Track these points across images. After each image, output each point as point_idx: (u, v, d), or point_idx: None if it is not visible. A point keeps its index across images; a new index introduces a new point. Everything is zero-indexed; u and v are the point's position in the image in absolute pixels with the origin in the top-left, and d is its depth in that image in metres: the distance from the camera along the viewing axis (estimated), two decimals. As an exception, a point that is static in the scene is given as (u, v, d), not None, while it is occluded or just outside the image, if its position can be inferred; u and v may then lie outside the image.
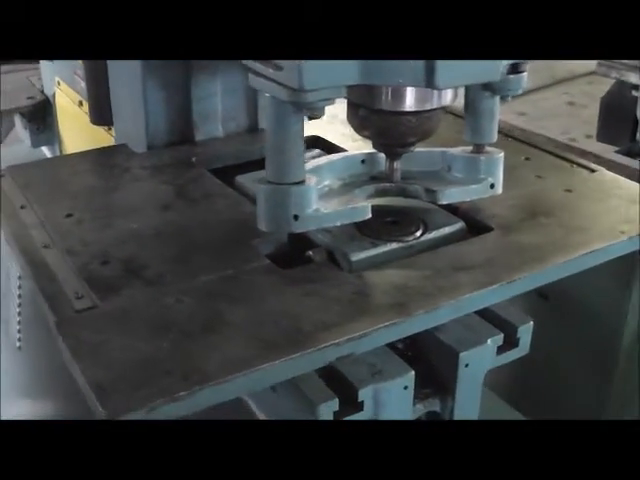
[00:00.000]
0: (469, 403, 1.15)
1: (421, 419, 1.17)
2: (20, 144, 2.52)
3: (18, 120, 2.43)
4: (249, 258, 1.04)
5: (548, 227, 1.14)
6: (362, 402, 1.01)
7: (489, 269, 1.02)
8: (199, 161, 1.35)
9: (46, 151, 2.40)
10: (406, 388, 1.06)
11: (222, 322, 0.90)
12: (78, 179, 1.29)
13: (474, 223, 1.15)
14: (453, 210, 1.18)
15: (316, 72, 0.88)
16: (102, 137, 1.60)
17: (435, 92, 1.00)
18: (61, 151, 2.16)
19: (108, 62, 1.48)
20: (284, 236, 1.10)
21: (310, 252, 1.07)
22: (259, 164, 1.17)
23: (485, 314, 1.15)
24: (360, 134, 1.07)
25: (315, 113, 0.93)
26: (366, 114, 1.02)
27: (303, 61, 0.86)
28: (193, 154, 1.37)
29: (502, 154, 1.15)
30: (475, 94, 1.11)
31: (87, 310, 0.93)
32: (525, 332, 1.15)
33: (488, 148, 1.16)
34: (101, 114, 1.59)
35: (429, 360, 1.14)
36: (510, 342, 1.15)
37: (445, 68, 0.88)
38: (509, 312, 1.16)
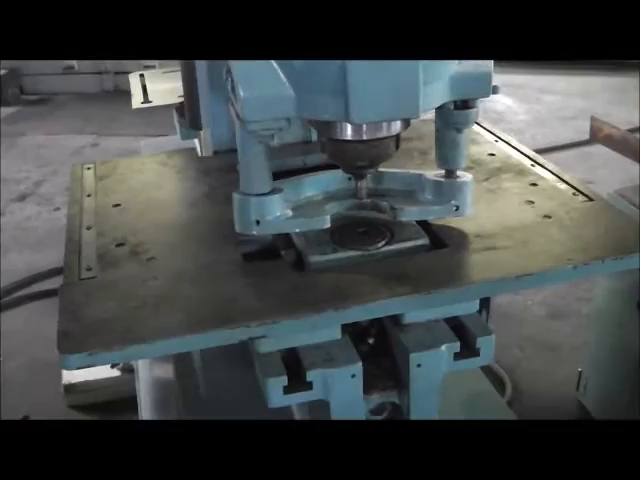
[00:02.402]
0: (425, 401, 1.34)
1: (385, 409, 1.39)
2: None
3: (174, 114, 2.82)
4: (226, 252, 1.32)
5: (500, 250, 1.30)
6: (311, 382, 1.25)
7: (416, 281, 1.22)
8: (244, 168, 1.64)
9: (197, 143, 2.79)
10: (354, 377, 1.28)
11: (173, 298, 1.20)
12: (139, 176, 1.65)
13: (436, 239, 1.35)
14: (426, 226, 1.38)
15: (256, 106, 1.15)
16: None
17: (383, 123, 1.22)
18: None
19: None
20: (269, 237, 1.37)
21: (283, 252, 1.34)
22: (295, 173, 1.45)
23: (452, 322, 1.35)
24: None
25: (264, 140, 1.20)
26: (324, 141, 1.26)
27: (245, 95, 1.13)
28: (242, 161, 1.67)
29: (469, 179, 1.34)
30: (438, 125, 1.31)
31: (88, 279, 1.27)
32: (485, 343, 1.32)
33: (459, 173, 1.35)
34: (194, 120, 1.94)
35: (393, 356, 1.36)
36: (471, 351, 1.33)
37: (359, 105, 1.10)
38: (475, 323, 1.34)
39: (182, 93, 2.75)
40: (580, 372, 3.24)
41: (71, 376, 3.31)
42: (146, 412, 2.30)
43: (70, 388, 3.29)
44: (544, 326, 3.77)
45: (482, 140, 1.78)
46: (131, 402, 2.74)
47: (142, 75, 3.02)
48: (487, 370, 3.36)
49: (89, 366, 1.09)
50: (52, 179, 5.27)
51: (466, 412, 1.67)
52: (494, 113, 6.21)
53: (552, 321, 3.80)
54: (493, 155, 1.69)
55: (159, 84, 2.87)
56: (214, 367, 1.78)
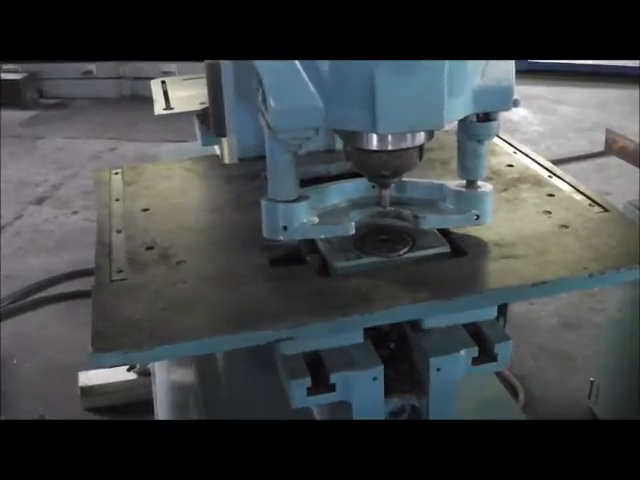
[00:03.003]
0: (444, 403, 1.38)
1: (404, 412, 1.43)
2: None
3: (195, 121, 2.88)
4: (253, 256, 1.37)
5: (518, 258, 1.34)
6: (334, 384, 1.30)
7: (434, 288, 1.26)
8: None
9: (217, 149, 2.85)
10: (375, 379, 1.32)
11: (202, 300, 1.24)
12: (166, 181, 1.70)
13: (456, 247, 1.39)
14: (447, 234, 1.42)
15: (286, 116, 1.19)
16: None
17: (408, 134, 1.26)
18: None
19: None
20: (295, 242, 1.41)
21: (308, 257, 1.39)
22: (318, 181, 1.49)
23: (470, 328, 1.39)
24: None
25: (293, 149, 1.25)
26: (349, 150, 1.31)
27: (276, 106, 1.18)
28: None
29: (489, 189, 1.38)
30: (460, 136, 1.36)
31: (118, 281, 1.32)
32: (503, 349, 1.36)
33: (480, 183, 1.39)
34: (219, 127, 2.00)
35: (412, 360, 1.41)
36: (489, 356, 1.37)
37: (385, 116, 1.15)
38: (493, 329, 1.38)
39: (203, 100, 2.81)
40: (592, 381, 3.28)
41: (87, 379, 3.36)
42: (162, 415, 2.34)
43: (87, 391, 3.34)
44: (557, 336, 3.81)
45: (501, 151, 1.82)
46: (147, 405, 2.79)
47: (164, 82, 3.08)
48: (500, 378, 3.40)
49: (122, 364, 1.14)
50: (70, 183, 5.35)
51: (480, 416, 1.71)
52: (510, 123, 6.26)
53: (565, 331, 3.84)
54: (511, 166, 1.74)
55: (180, 91, 2.92)
56: (236, 370, 1.82)
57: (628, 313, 2.99)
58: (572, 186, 1.63)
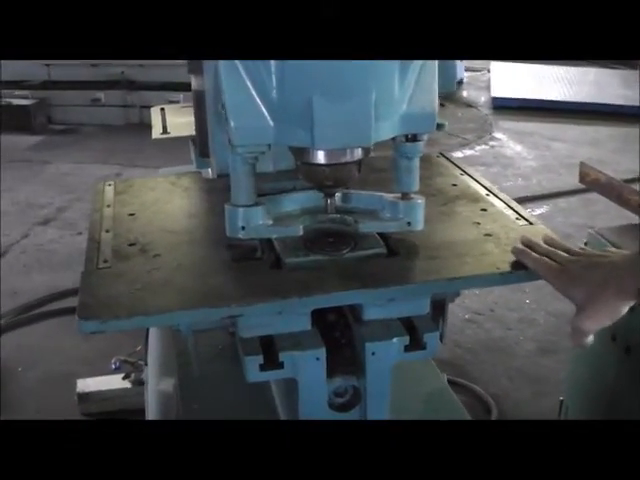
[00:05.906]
0: (379, 384, 1.65)
1: (346, 392, 1.70)
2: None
3: (190, 145, 3.18)
4: (219, 253, 1.66)
5: (442, 259, 1.61)
6: (282, 362, 1.57)
7: (369, 279, 1.54)
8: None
9: (210, 172, 3.14)
10: (318, 359, 1.59)
11: (170, 284, 1.52)
12: (152, 192, 2.00)
13: (391, 249, 1.67)
14: (385, 238, 1.70)
15: (243, 134, 1.49)
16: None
17: (347, 150, 1.55)
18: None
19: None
20: (255, 242, 1.70)
21: (265, 255, 1.67)
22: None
23: (404, 320, 1.66)
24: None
25: (250, 161, 1.54)
26: (299, 164, 1.60)
27: (234, 125, 1.47)
28: (241, 183, 2.00)
29: (421, 200, 1.66)
30: (394, 154, 1.65)
31: (104, 269, 1.61)
32: (431, 339, 1.63)
33: (413, 195, 1.67)
34: (203, 148, 2.30)
35: (354, 347, 1.68)
36: (418, 345, 1.64)
37: (322, 134, 1.43)
38: (424, 322, 1.65)
39: (197, 126, 3.10)
40: (561, 401, 3.51)
41: (85, 386, 3.64)
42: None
43: (84, 397, 3.61)
44: (534, 360, 4.05)
45: (448, 173, 2.11)
46: (139, 413, 3.05)
47: (163, 109, 3.40)
48: (476, 397, 3.66)
49: (100, 331, 1.42)
50: (75, 205, 5.67)
51: (422, 407, 1.97)
52: (504, 158, 6.55)
53: (541, 356, 4.07)
54: (455, 185, 2.02)
55: (178, 117, 3.24)
56: (213, 378, 2.08)
57: (595, 334, 3.22)
58: (505, 202, 1.91)
